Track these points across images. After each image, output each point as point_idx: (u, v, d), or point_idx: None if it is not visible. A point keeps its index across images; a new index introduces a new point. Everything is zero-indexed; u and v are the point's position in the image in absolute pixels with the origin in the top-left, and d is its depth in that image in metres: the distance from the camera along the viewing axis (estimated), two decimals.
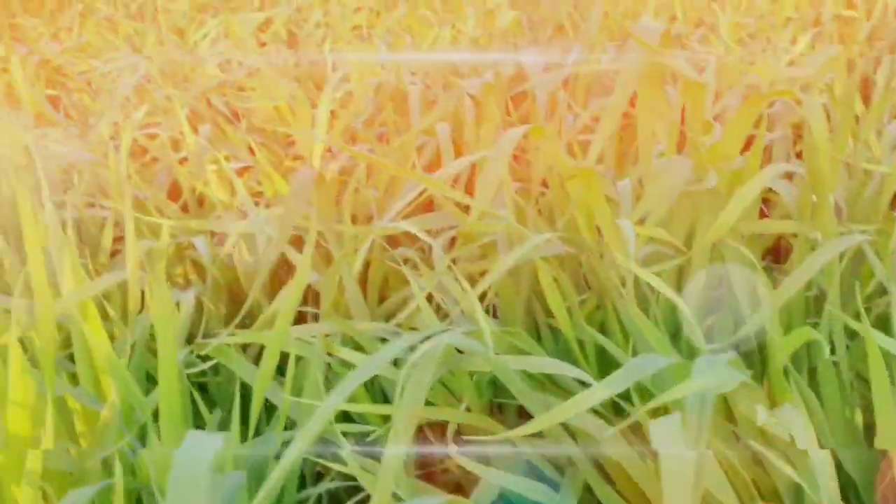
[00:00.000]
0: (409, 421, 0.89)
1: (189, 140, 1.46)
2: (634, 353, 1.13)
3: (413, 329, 1.29)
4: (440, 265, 1.09)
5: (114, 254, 1.66)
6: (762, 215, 1.63)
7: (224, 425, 1.38)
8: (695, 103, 1.16)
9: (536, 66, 2.00)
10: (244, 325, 1.63)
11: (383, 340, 1.23)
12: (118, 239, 1.68)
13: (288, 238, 1.13)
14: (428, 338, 1.00)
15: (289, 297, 0.90)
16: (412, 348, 0.97)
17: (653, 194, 1.07)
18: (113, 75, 2.26)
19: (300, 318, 1.64)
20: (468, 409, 1.03)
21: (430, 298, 1.49)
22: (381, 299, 1.43)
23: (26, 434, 0.90)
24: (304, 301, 1.61)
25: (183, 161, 1.80)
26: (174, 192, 1.93)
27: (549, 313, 1.24)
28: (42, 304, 0.85)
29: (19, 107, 2.16)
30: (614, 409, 1.21)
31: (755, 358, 1.27)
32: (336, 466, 0.93)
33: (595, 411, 1.08)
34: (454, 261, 1.24)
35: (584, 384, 1.12)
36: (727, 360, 0.91)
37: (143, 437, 1.11)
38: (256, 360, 1.37)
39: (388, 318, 1.44)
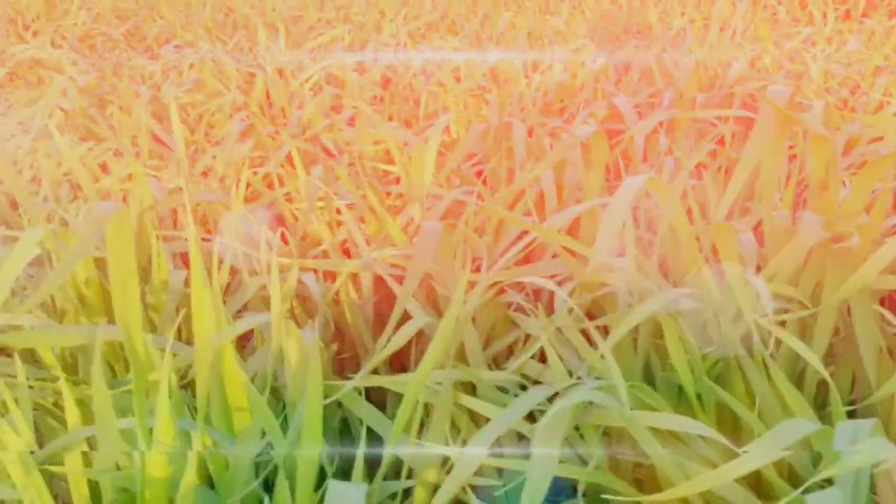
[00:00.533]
0: (545, 477, 0.89)
1: (302, 179, 1.50)
2: (759, 412, 1.11)
3: (524, 376, 1.29)
4: (561, 314, 1.09)
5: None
6: None
7: (330, 458, 1.39)
8: (823, 159, 1.15)
9: (629, 110, 2.00)
10: (343, 364, 1.65)
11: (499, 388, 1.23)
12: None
13: (414, 289, 1.14)
14: (552, 391, 1.00)
15: (432, 352, 0.91)
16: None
17: (783, 251, 1.05)
18: (212, 109, 2.34)
19: (396, 359, 1.65)
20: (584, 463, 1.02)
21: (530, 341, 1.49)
22: (485, 342, 1.44)
23: (167, 475, 0.92)
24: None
25: (287, 197, 1.85)
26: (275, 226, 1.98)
27: (664, 364, 1.23)
28: (203, 349, 0.87)
29: (122, 139, 2.25)
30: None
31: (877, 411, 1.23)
32: None
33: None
34: (569, 311, 1.23)
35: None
36: (871, 427, 0.89)
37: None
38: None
39: (494, 361, 1.44)
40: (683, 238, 1.20)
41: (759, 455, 0.86)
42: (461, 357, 1.37)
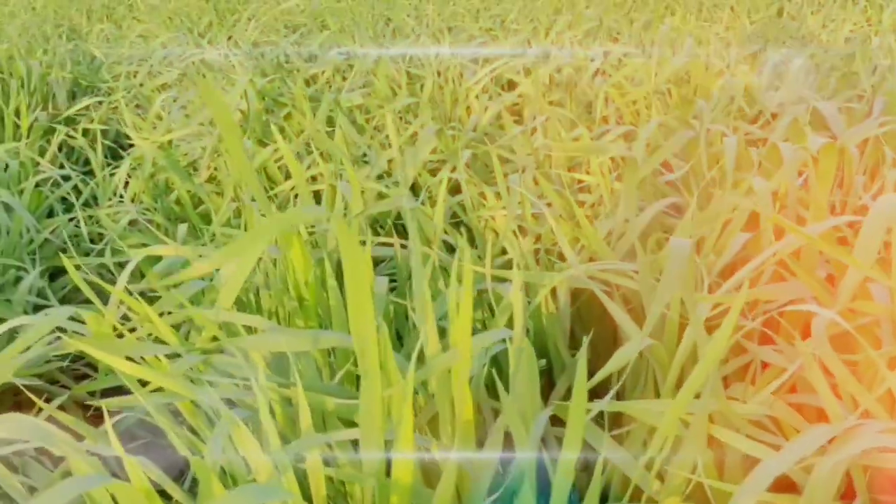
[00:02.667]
0: None
1: (501, 185, 1.45)
2: None
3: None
4: (821, 341, 0.99)
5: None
6: None
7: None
8: None
9: (835, 115, 1.85)
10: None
11: None
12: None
13: (661, 311, 1.07)
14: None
15: (695, 378, 0.84)
16: None
17: None
18: (382, 113, 2.35)
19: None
20: None
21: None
22: None
23: (411, 483, 0.89)
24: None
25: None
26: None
27: None
28: (464, 359, 0.84)
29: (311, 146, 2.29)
30: None
31: None
32: None
33: None
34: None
35: None
36: None
37: None
38: None
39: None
40: None
41: None
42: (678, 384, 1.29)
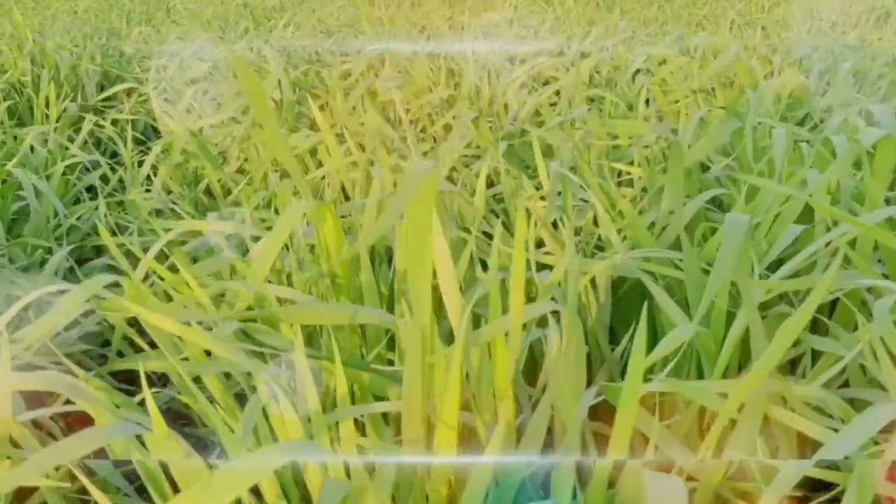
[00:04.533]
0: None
1: (542, 178, 1.41)
2: None
3: None
4: (884, 322, 0.94)
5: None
6: None
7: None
8: None
9: (889, 119, 1.79)
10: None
11: None
12: None
13: (714, 294, 1.02)
14: None
15: (766, 363, 0.79)
16: None
17: None
18: (416, 105, 2.32)
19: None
20: None
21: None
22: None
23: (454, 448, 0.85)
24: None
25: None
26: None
27: None
28: (515, 337, 0.80)
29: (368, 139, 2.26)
30: None
31: None
32: None
33: None
34: None
35: None
36: None
37: None
38: None
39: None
40: None
41: None
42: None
